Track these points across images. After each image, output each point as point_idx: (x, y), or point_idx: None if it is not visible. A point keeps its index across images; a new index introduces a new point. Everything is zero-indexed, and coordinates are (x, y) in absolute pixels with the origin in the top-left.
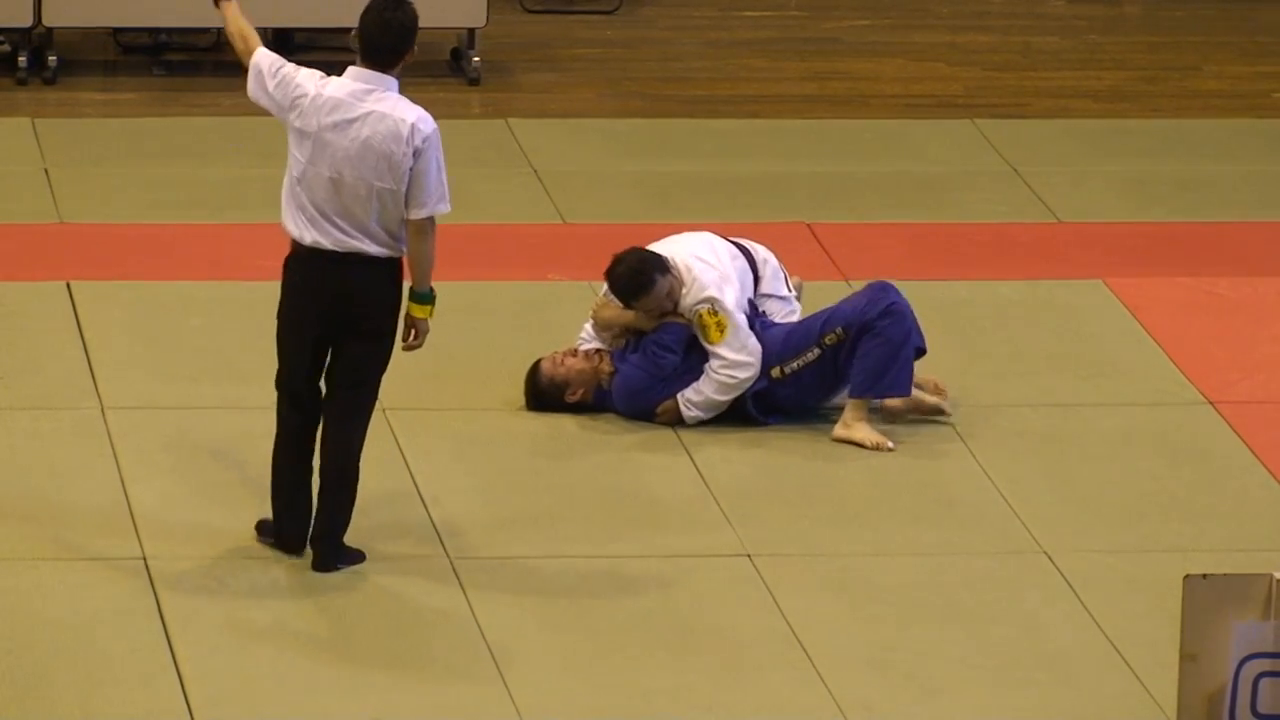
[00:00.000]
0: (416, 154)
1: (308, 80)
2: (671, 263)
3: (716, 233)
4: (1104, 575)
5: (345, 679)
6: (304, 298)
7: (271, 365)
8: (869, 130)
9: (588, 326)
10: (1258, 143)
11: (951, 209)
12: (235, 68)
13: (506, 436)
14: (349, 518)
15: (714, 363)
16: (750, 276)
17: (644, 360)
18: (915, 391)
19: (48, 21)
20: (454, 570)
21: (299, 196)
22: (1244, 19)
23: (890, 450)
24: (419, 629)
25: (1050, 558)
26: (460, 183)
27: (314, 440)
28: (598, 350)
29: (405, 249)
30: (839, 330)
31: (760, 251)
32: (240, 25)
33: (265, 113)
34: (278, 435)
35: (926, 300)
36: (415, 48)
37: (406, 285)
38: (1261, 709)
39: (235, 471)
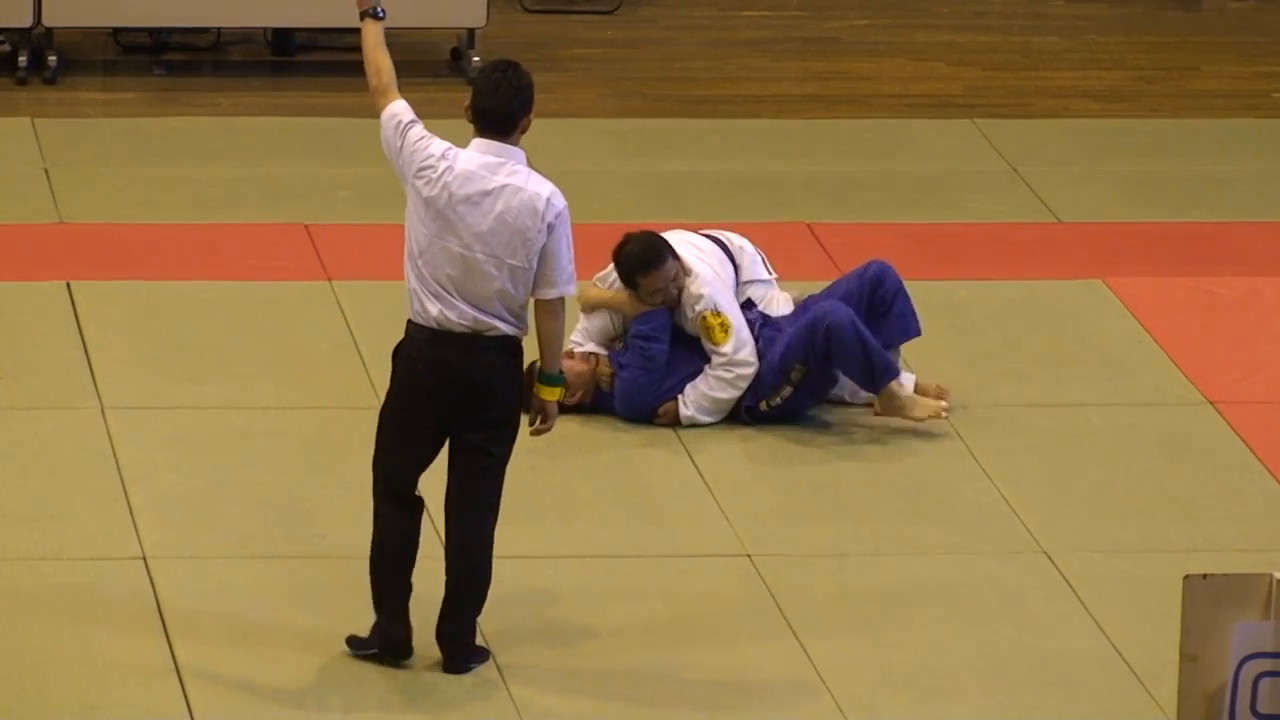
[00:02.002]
0: (550, 230)
1: (438, 148)
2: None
3: (700, 230)
4: (1104, 575)
5: (345, 679)
6: (425, 382)
7: (271, 365)
8: (869, 130)
9: (580, 328)
10: (1257, 143)
11: (951, 209)
12: (235, 67)
13: None
14: (479, 615)
15: (715, 360)
16: (730, 268)
17: (634, 358)
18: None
19: (48, 21)
20: None
21: (421, 272)
22: (1243, 19)
23: (948, 412)
24: (419, 629)
25: (1050, 558)
26: None
27: (418, 543)
28: (593, 353)
29: (524, 328)
30: (799, 367)
31: (734, 240)
32: (377, 56)
33: (265, 112)
34: (381, 542)
35: (927, 300)
36: (532, 114)
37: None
38: (1261, 709)
39: (235, 471)
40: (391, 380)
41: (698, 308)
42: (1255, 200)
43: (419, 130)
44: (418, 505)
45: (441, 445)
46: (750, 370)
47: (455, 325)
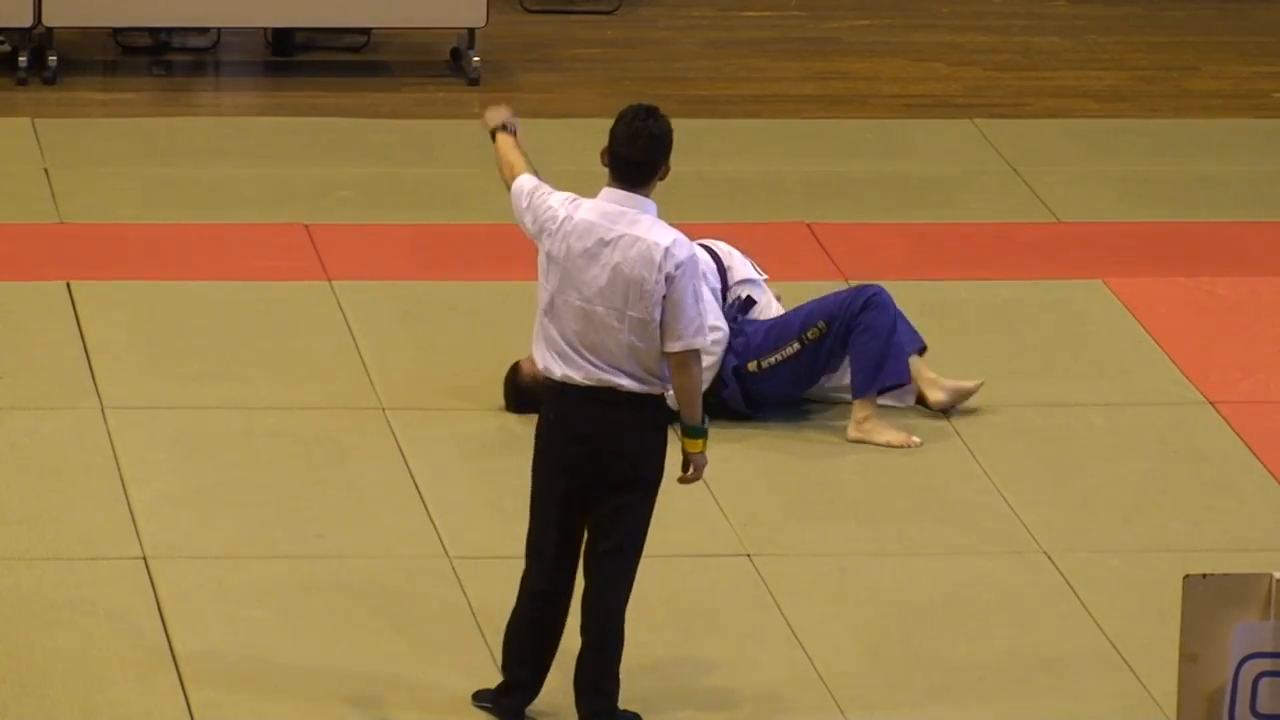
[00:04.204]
0: (669, 280)
1: (559, 203)
2: None
3: (704, 237)
4: (1104, 575)
5: (345, 679)
6: (554, 438)
7: (271, 365)
8: (869, 130)
9: None
10: (1257, 143)
11: (951, 209)
12: (235, 67)
13: (507, 436)
14: (617, 684)
15: None
16: (715, 270)
17: None
18: (948, 381)
19: (48, 21)
20: (454, 570)
21: (548, 329)
22: (1243, 19)
23: (918, 444)
24: (419, 629)
25: (1050, 558)
26: (460, 182)
27: (558, 617)
28: None
29: (660, 385)
30: (820, 325)
31: (721, 247)
32: (509, 156)
33: (265, 112)
34: (519, 604)
35: (927, 300)
36: (669, 164)
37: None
38: (1261, 709)
39: (235, 471)
40: (535, 438)
41: None
42: (1255, 200)
43: (544, 190)
44: (559, 577)
45: (576, 511)
46: (718, 349)
47: (581, 381)
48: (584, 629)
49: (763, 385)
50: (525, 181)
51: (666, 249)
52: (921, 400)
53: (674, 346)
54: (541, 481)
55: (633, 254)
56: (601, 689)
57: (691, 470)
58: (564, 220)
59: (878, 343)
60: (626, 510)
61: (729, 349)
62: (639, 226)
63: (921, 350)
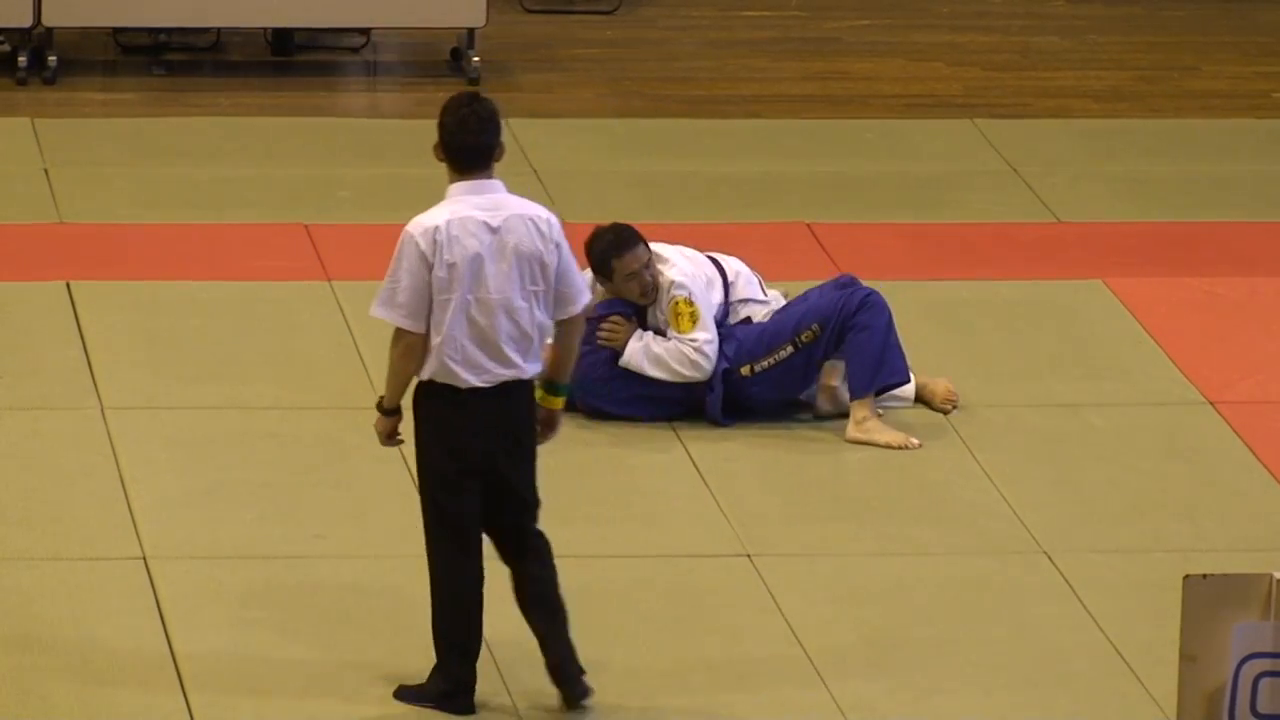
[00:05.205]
0: (558, 248)
1: (424, 233)
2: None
3: (704, 237)
4: (1104, 575)
5: (345, 679)
6: (472, 441)
7: (271, 365)
8: (869, 130)
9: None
10: (1257, 143)
11: (951, 209)
12: (235, 68)
13: None
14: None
15: (686, 338)
16: (720, 286)
17: (593, 336)
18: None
19: (48, 21)
20: None
21: (457, 339)
22: (1244, 19)
23: (918, 446)
24: (420, 628)
25: (1050, 558)
26: None
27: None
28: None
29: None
30: (814, 327)
31: (731, 264)
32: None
33: (265, 112)
34: (459, 594)
35: (927, 300)
36: (503, 144)
37: None
38: (1261, 709)
39: (235, 471)
40: (431, 443)
41: (672, 292)
42: (1255, 200)
43: (405, 264)
44: (480, 546)
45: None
46: (708, 365)
47: (502, 377)
48: (536, 610)
49: (754, 389)
50: (400, 305)
51: (547, 219)
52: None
53: (571, 311)
54: (461, 484)
55: (522, 231)
56: (573, 649)
57: (551, 431)
58: (440, 229)
59: (876, 340)
60: (530, 472)
61: (720, 353)
62: (512, 205)
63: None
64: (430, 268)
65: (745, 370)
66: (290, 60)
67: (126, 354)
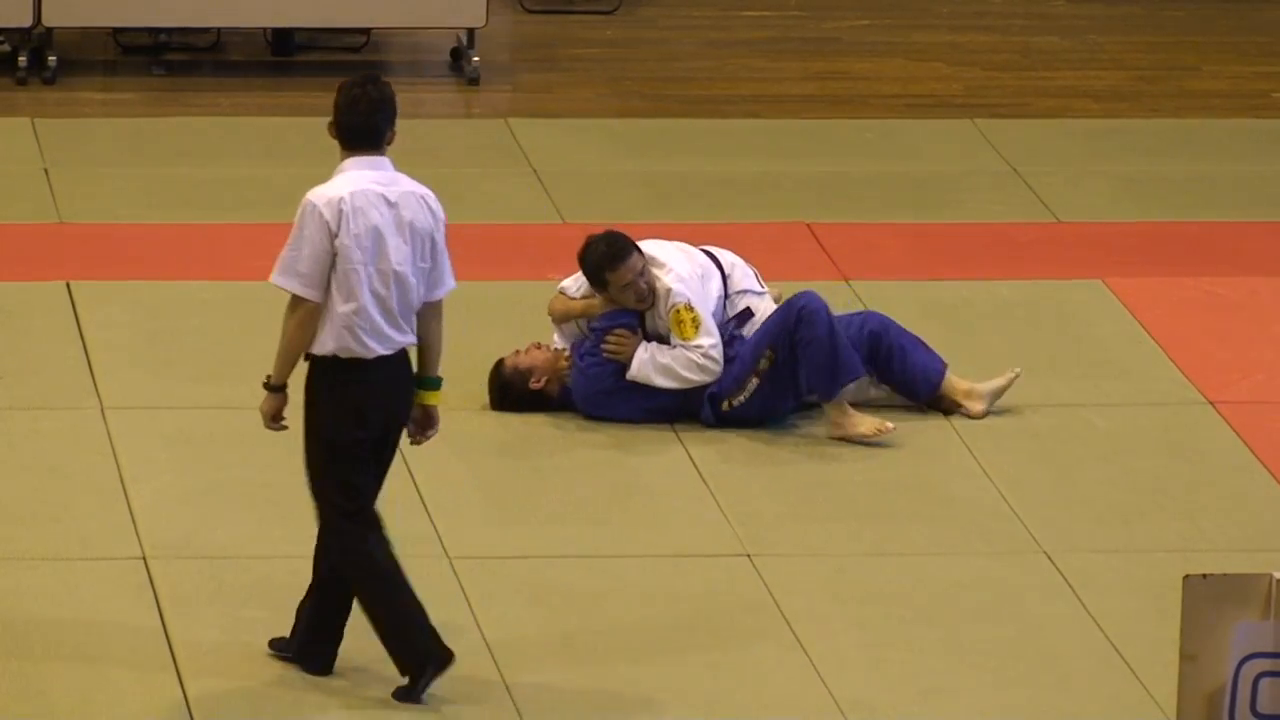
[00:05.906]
0: (441, 226)
1: (327, 203)
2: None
3: (704, 237)
4: (1104, 575)
5: (345, 678)
6: (379, 406)
7: (270, 366)
8: (869, 130)
9: (554, 340)
10: (1257, 143)
11: (951, 209)
12: (235, 68)
13: (507, 436)
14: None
15: (692, 344)
16: (717, 279)
17: (597, 348)
18: (983, 386)
19: (48, 21)
20: (454, 570)
21: (367, 309)
22: (1243, 19)
23: (891, 430)
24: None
25: (1050, 558)
26: (460, 182)
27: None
28: (556, 350)
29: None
30: (767, 353)
31: (726, 256)
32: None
33: (265, 112)
34: (379, 572)
35: (926, 300)
36: (395, 129)
37: None
38: (1261, 709)
39: (235, 471)
40: (333, 418)
41: (671, 300)
42: (1255, 200)
43: (306, 234)
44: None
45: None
46: (716, 368)
47: (402, 345)
48: (402, 571)
49: (742, 415)
50: (302, 275)
51: (435, 199)
52: (956, 409)
53: (441, 293)
54: (365, 455)
55: (416, 208)
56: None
57: (433, 427)
58: (345, 200)
59: (821, 351)
60: (396, 443)
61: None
62: (404, 182)
63: (943, 368)
64: (333, 237)
65: (725, 405)
66: (290, 60)
67: (126, 354)
